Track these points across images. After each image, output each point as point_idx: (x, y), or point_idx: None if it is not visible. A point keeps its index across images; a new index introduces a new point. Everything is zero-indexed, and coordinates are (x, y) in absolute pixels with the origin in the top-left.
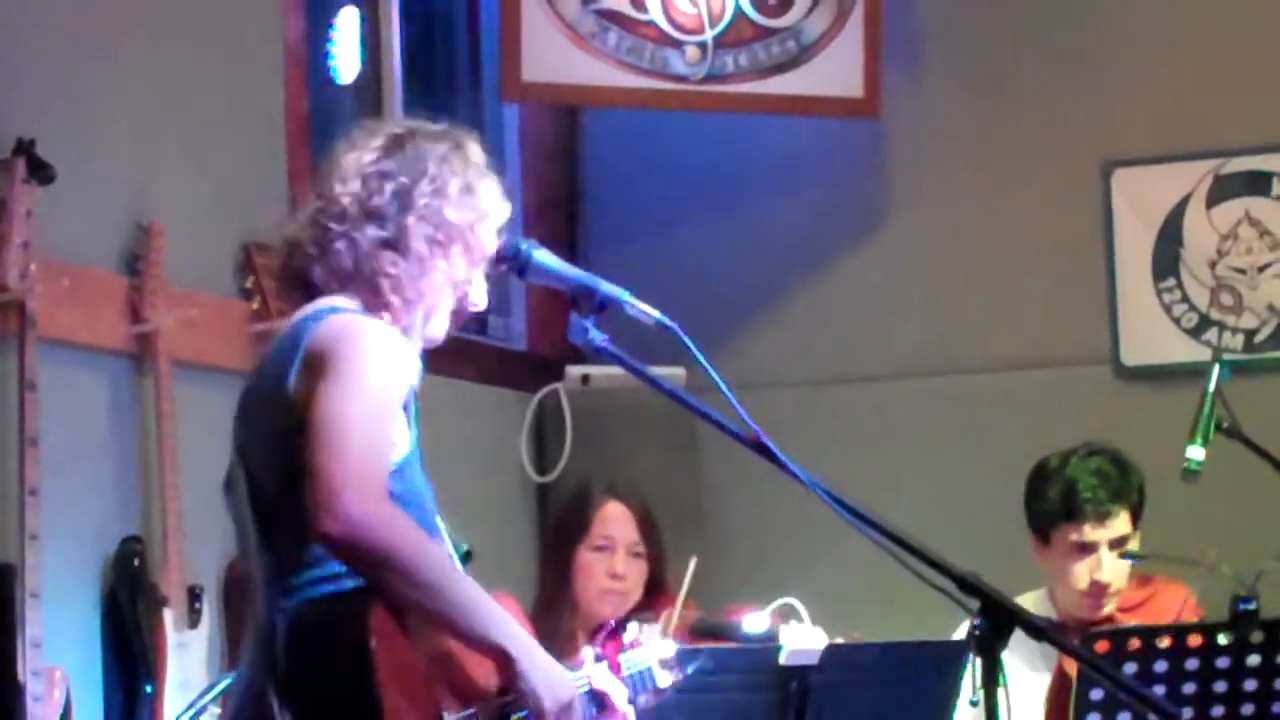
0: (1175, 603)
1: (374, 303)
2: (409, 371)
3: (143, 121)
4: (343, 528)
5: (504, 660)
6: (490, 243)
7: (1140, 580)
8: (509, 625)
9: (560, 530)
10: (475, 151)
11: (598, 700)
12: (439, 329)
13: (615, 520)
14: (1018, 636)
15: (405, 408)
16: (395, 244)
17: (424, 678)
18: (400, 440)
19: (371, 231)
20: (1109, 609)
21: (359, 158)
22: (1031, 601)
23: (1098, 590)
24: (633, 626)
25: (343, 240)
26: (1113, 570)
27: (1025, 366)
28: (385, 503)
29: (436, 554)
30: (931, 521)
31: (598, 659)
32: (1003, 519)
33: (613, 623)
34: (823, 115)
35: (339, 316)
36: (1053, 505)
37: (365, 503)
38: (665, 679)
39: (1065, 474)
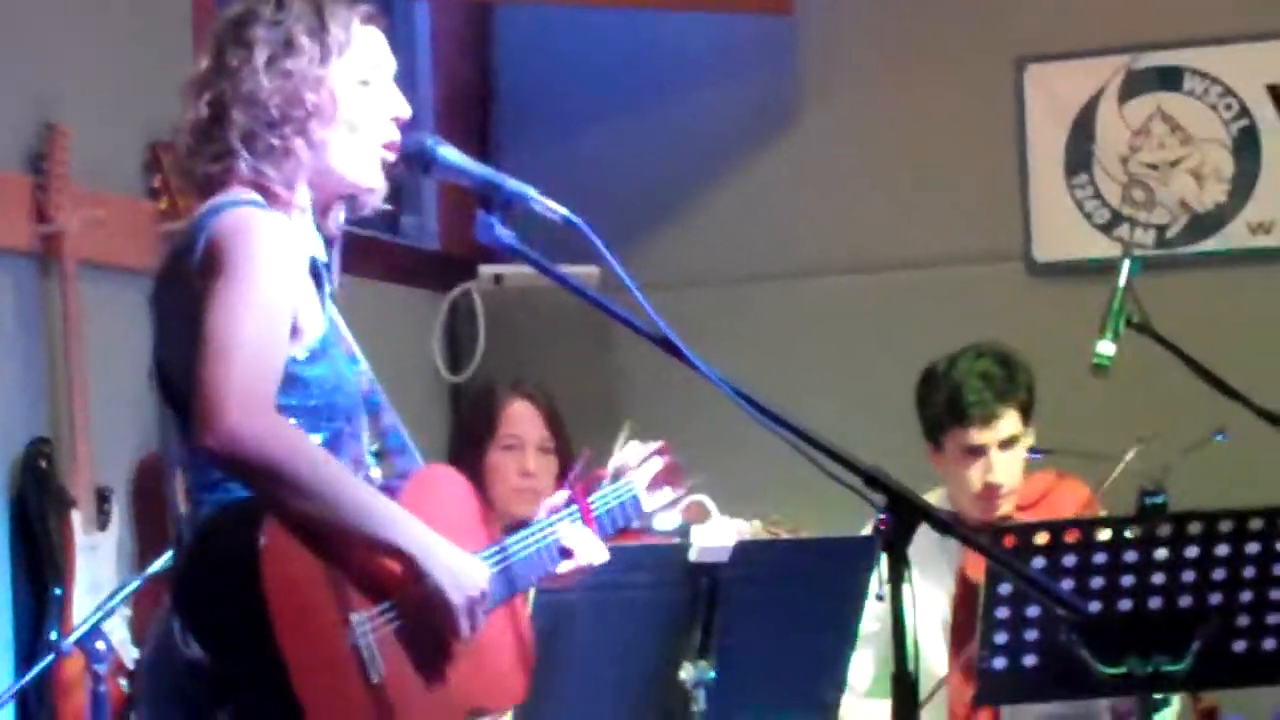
0: (1074, 499)
1: (264, 191)
2: (299, 264)
3: (46, 21)
4: (220, 442)
5: (404, 561)
6: (348, 91)
7: (1036, 477)
8: (408, 524)
9: (468, 432)
10: (328, 6)
11: (562, 552)
12: (357, 176)
13: (522, 418)
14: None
15: (319, 284)
16: (252, 133)
17: (328, 582)
18: (310, 326)
19: (233, 127)
20: (1005, 509)
21: (198, 65)
22: (932, 501)
23: (990, 492)
24: (626, 451)
25: (214, 139)
26: (1005, 471)
27: (938, 264)
28: (268, 414)
29: (322, 463)
30: (844, 420)
31: (568, 502)
32: (915, 418)
33: (582, 463)
34: (736, 11)
35: (234, 211)
36: (940, 410)
37: (245, 416)
38: (656, 500)
39: (951, 378)
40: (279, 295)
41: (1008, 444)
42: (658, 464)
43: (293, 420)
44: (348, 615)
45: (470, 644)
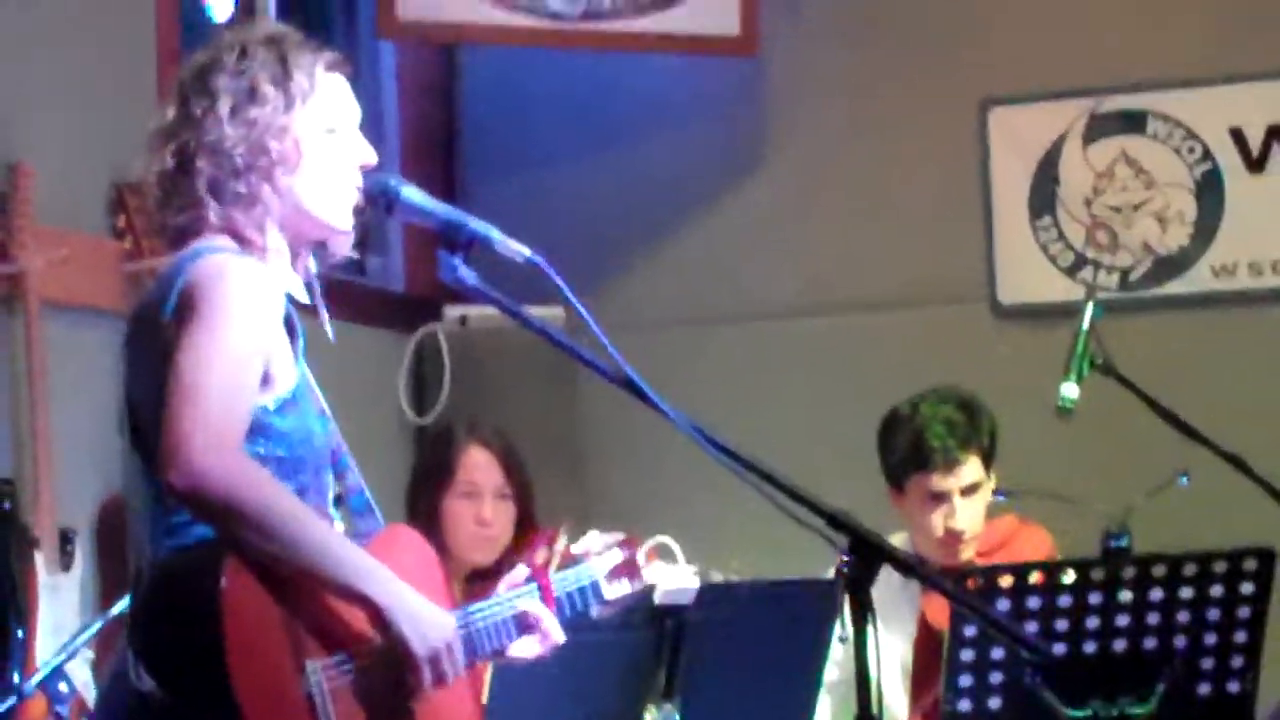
0: (1035, 546)
1: (237, 236)
2: (274, 313)
3: (10, 59)
4: (185, 480)
5: (370, 609)
6: (313, 139)
7: (997, 523)
8: (375, 572)
9: (425, 478)
10: (292, 53)
11: (520, 623)
12: (327, 218)
13: (479, 465)
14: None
15: (293, 336)
16: (218, 181)
17: (285, 628)
18: (283, 377)
19: (200, 177)
20: (966, 555)
21: (164, 114)
22: (897, 544)
23: (952, 538)
24: (588, 539)
25: (181, 190)
26: (966, 517)
27: (902, 305)
28: (235, 455)
29: (290, 505)
30: (809, 462)
31: (528, 580)
32: (877, 460)
33: (546, 542)
34: (700, 53)
35: (212, 258)
36: (902, 455)
37: (212, 456)
38: (615, 590)
39: (914, 423)
40: (251, 342)
41: (970, 490)
42: (618, 556)
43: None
44: (302, 662)
45: (429, 699)
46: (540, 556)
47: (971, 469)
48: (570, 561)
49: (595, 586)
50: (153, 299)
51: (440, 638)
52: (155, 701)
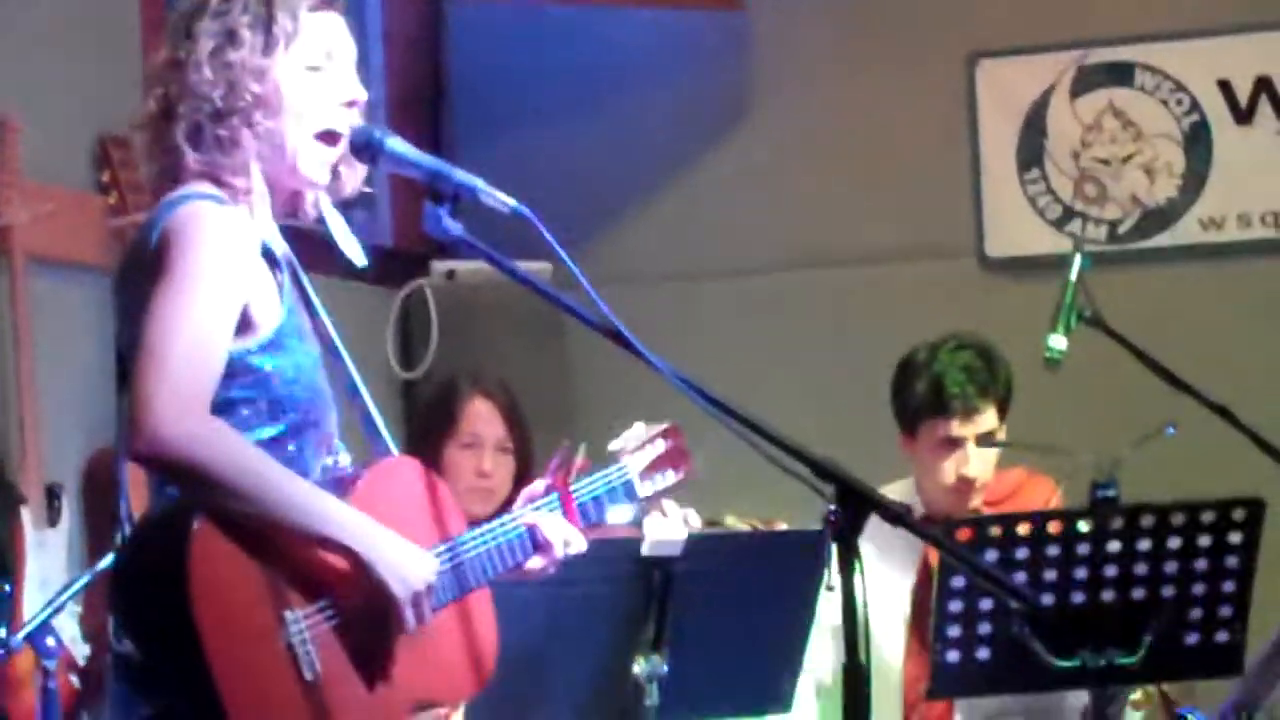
0: (1041, 496)
1: (218, 181)
2: (249, 256)
3: None
4: (150, 448)
5: (349, 556)
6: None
7: (1004, 473)
8: (349, 520)
9: (426, 427)
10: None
11: (534, 539)
12: (309, 169)
13: (482, 417)
14: (883, 538)
15: (277, 271)
16: (198, 126)
17: (262, 582)
18: (265, 318)
19: (180, 122)
20: (975, 503)
21: (154, 60)
22: (898, 491)
23: (964, 485)
24: (630, 433)
25: (163, 134)
26: (979, 465)
27: (890, 259)
28: (199, 419)
29: (256, 463)
30: (799, 414)
31: (548, 490)
32: (870, 411)
33: (563, 451)
34: (687, 8)
35: (186, 206)
36: (920, 400)
37: (175, 422)
38: (653, 485)
39: (933, 368)
40: (222, 293)
41: (984, 438)
42: (660, 447)
43: (246, 412)
44: (282, 613)
45: (417, 636)
46: (557, 468)
47: (988, 417)
48: (602, 464)
49: (629, 485)
50: (135, 249)
51: (420, 578)
52: (135, 663)
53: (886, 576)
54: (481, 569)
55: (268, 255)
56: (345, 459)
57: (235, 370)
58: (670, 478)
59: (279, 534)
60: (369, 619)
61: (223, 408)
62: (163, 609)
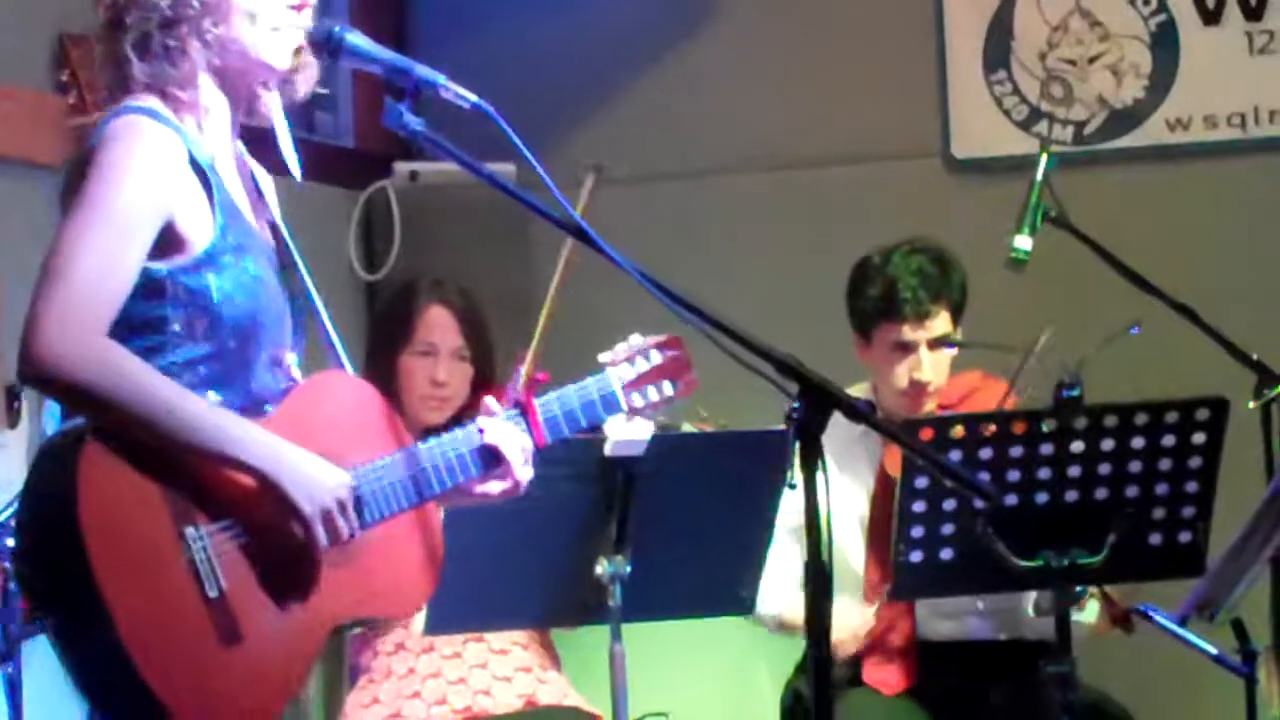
0: (997, 399)
1: (163, 94)
2: (173, 175)
3: None
4: (32, 369)
5: (253, 475)
6: None
7: (961, 377)
8: (252, 439)
9: (383, 334)
10: None
11: (487, 455)
12: (272, 57)
13: (438, 325)
14: (840, 445)
15: (210, 187)
16: (146, 35)
17: (159, 499)
18: (196, 236)
19: (128, 33)
20: (929, 406)
21: None
22: (856, 394)
23: (917, 389)
24: (626, 343)
25: (112, 45)
26: (932, 369)
27: (856, 160)
28: (89, 340)
29: (149, 386)
30: (763, 315)
31: (513, 405)
32: (835, 313)
33: (522, 369)
34: None
35: (116, 122)
36: (873, 304)
37: (62, 342)
38: (643, 398)
39: (886, 272)
40: (132, 215)
41: (937, 343)
42: (657, 358)
43: (177, 328)
44: (183, 530)
45: (343, 554)
46: (518, 379)
47: (941, 322)
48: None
49: (609, 398)
50: (76, 159)
51: (329, 495)
52: (25, 578)
53: (841, 483)
54: (428, 483)
55: (201, 172)
56: (297, 373)
57: (163, 288)
58: (668, 390)
59: (180, 454)
60: (279, 538)
61: (153, 324)
62: (49, 525)
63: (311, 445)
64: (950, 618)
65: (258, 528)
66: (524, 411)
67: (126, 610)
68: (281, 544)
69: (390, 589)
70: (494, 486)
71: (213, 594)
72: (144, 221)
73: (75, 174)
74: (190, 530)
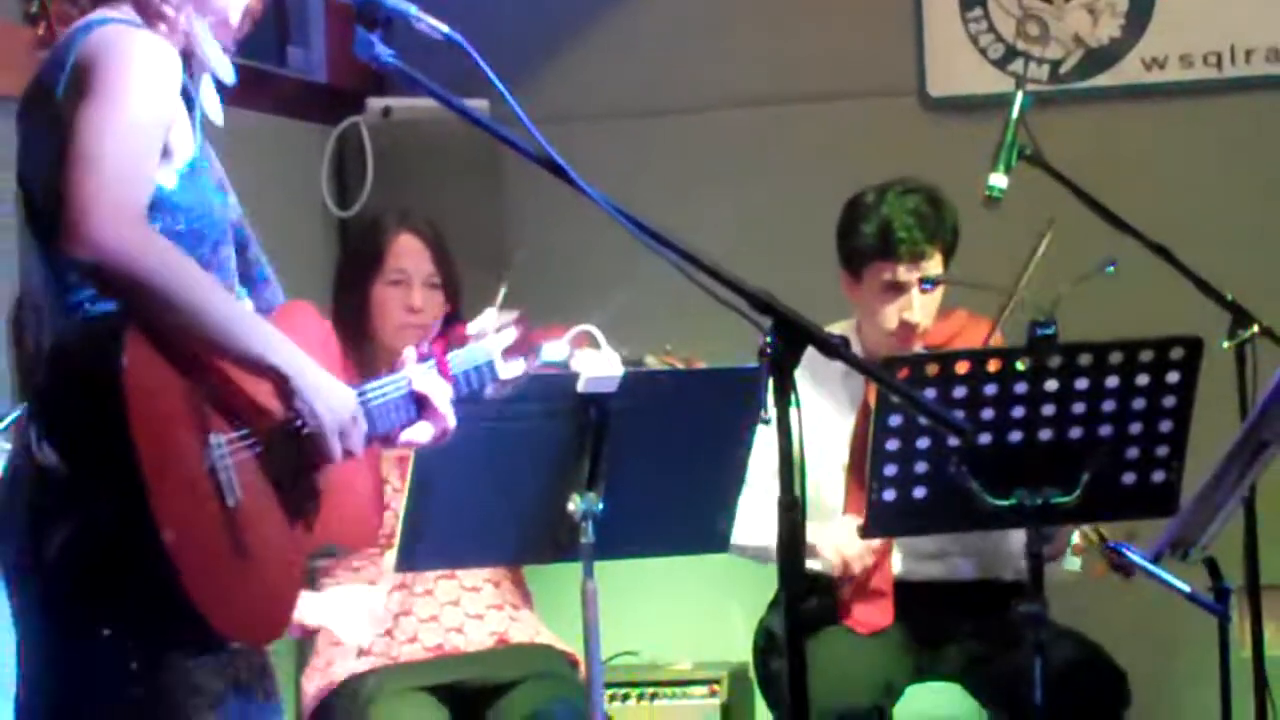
0: (980, 339)
1: (147, 11)
2: (173, 84)
3: None
4: (88, 252)
5: (277, 379)
6: None
7: (945, 316)
8: (281, 344)
9: (354, 265)
10: None
11: (417, 401)
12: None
13: (409, 253)
14: (823, 379)
15: (190, 108)
16: None
17: (189, 401)
18: (181, 149)
19: None
20: (916, 348)
21: None
22: (838, 332)
23: (906, 330)
24: (483, 318)
25: None
26: (922, 310)
27: (831, 97)
28: (138, 226)
29: (194, 275)
30: (738, 254)
31: (420, 359)
32: (811, 251)
33: (440, 323)
34: None
35: (107, 29)
36: (867, 242)
37: (113, 226)
38: (510, 369)
39: (881, 211)
40: (150, 112)
41: (927, 283)
42: (513, 334)
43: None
44: (206, 436)
45: (330, 480)
46: (435, 338)
47: (934, 263)
48: (464, 342)
49: (490, 365)
50: (44, 75)
51: (347, 410)
52: (56, 475)
53: (827, 418)
54: (383, 419)
55: (183, 89)
56: (245, 304)
57: (151, 203)
58: (521, 365)
59: (206, 354)
60: (292, 451)
61: None
62: (98, 419)
63: None
64: (929, 558)
65: (273, 439)
66: (438, 365)
67: (162, 502)
68: (294, 458)
69: (352, 518)
70: (421, 432)
71: (231, 503)
72: (158, 123)
73: (73, 78)
74: (213, 437)
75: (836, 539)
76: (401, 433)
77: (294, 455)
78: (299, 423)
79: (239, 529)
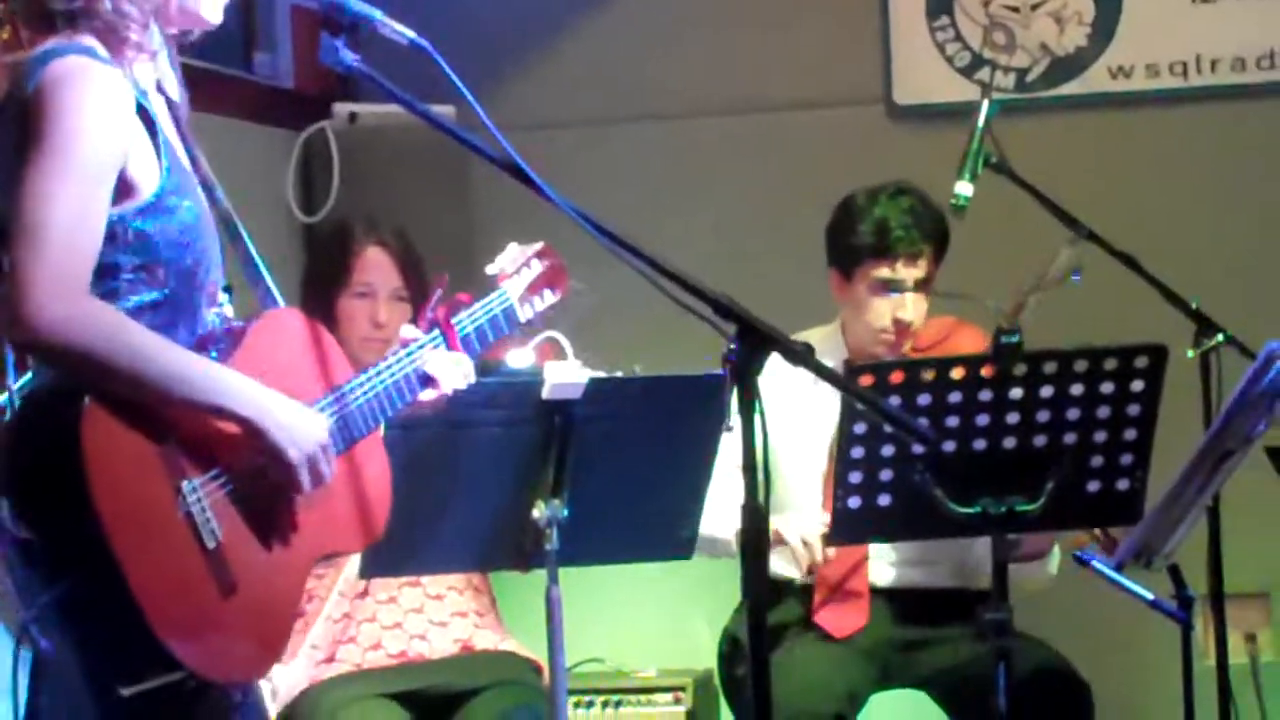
0: (970, 344)
1: (102, 34)
2: (125, 121)
3: None
4: (23, 335)
5: (241, 424)
6: None
7: (936, 321)
8: (240, 387)
9: (320, 276)
10: None
11: (423, 378)
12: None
13: (376, 266)
14: (805, 388)
15: (153, 128)
16: None
17: (155, 455)
18: (144, 180)
19: None
20: (906, 348)
21: None
22: (820, 336)
23: (900, 329)
24: (505, 255)
25: None
26: (915, 309)
27: (798, 107)
28: (76, 302)
29: (137, 341)
30: (705, 262)
31: (430, 326)
32: (778, 260)
33: (440, 281)
34: None
35: (61, 63)
36: (863, 240)
37: (51, 306)
38: (532, 308)
39: (875, 211)
40: (99, 162)
41: (922, 284)
42: (538, 268)
43: (129, 276)
44: (179, 484)
45: (311, 497)
46: (437, 303)
47: (928, 262)
48: (469, 302)
49: (510, 310)
50: (8, 100)
51: (313, 439)
52: (32, 547)
53: (810, 420)
54: (372, 415)
55: (142, 112)
56: (229, 310)
57: (115, 234)
58: (549, 298)
59: (169, 408)
60: (264, 483)
61: (105, 271)
62: (58, 490)
63: (278, 388)
64: (912, 564)
65: (244, 475)
66: (444, 332)
67: (134, 565)
68: (267, 489)
69: (350, 521)
70: (426, 396)
71: (211, 545)
72: (109, 168)
73: (19, 120)
74: (186, 484)
75: (801, 525)
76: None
77: (267, 487)
78: (267, 460)
79: (223, 568)
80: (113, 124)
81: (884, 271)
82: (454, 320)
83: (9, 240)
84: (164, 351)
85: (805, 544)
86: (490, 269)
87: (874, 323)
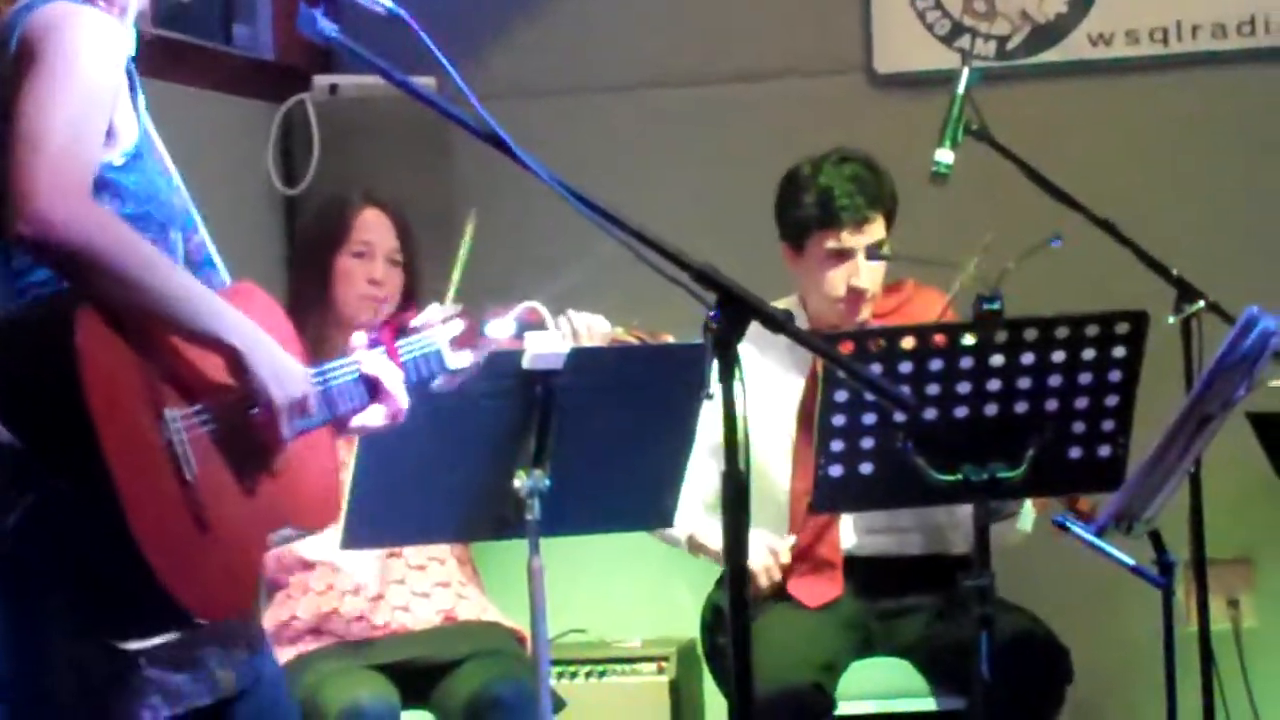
0: (930, 307)
1: None
2: (120, 61)
3: None
4: (34, 230)
5: (229, 354)
6: None
7: (893, 286)
8: (233, 318)
9: (317, 237)
10: None
11: (369, 385)
12: None
13: (374, 227)
14: (769, 345)
15: (134, 90)
16: None
17: (142, 377)
18: (126, 131)
19: None
20: (864, 315)
21: None
22: (780, 308)
23: (855, 296)
24: (429, 311)
25: None
26: (869, 276)
27: (778, 75)
28: (84, 202)
29: (144, 251)
30: (686, 230)
31: (371, 344)
32: (758, 228)
33: (391, 307)
34: None
35: (51, 7)
36: (809, 212)
37: (61, 203)
38: (459, 360)
39: (820, 181)
40: (96, 90)
41: (873, 250)
42: (458, 326)
43: None
44: (161, 411)
45: (282, 459)
46: (383, 324)
47: (877, 228)
48: (410, 330)
49: (438, 355)
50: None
51: (299, 388)
52: (9, 452)
53: (773, 386)
54: (338, 402)
55: (126, 70)
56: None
57: (98, 184)
58: (468, 357)
59: (157, 329)
60: (244, 429)
61: None
62: (53, 394)
63: None
64: (878, 532)
65: (224, 418)
66: (387, 352)
67: (124, 473)
68: (246, 434)
69: (311, 501)
70: (374, 415)
71: (188, 478)
72: (107, 95)
73: (17, 54)
74: (168, 412)
75: (769, 538)
76: (354, 417)
77: (247, 433)
78: (250, 401)
79: (198, 504)
80: (108, 59)
81: (832, 242)
82: (396, 343)
83: (9, 151)
84: (171, 268)
85: (765, 569)
86: (415, 321)
87: (830, 293)
